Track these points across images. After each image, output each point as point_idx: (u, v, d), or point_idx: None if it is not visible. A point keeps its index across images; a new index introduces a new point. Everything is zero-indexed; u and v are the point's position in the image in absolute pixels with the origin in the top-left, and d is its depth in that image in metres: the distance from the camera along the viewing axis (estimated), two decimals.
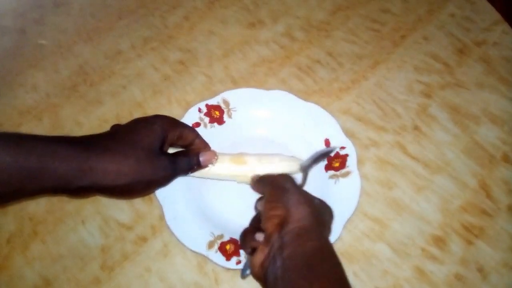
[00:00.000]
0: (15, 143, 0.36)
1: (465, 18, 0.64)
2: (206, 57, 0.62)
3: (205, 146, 0.47)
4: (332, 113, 0.52)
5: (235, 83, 0.59)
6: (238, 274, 0.45)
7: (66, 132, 0.56)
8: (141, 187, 0.42)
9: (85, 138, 0.41)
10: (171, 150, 0.46)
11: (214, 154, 0.46)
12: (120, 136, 0.42)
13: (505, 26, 0.63)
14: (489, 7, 0.65)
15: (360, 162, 0.50)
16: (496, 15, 0.64)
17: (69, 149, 0.38)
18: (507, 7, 0.66)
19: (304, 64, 0.60)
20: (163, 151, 0.43)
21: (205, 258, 0.45)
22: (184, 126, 0.46)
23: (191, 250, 0.45)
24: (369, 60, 0.61)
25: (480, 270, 0.45)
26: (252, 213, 0.48)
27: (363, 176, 0.50)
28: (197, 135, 0.47)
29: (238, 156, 0.47)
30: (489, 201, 0.49)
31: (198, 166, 0.45)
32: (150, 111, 0.57)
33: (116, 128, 0.44)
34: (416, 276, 0.45)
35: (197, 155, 0.45)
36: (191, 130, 0.47)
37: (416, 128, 0.55)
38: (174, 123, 0.45)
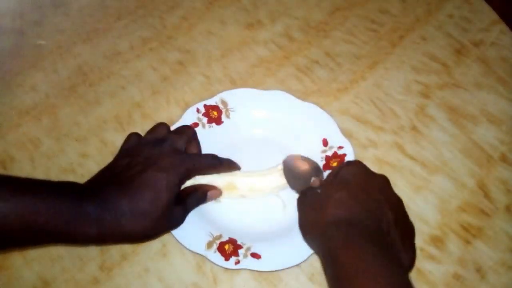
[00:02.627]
0: (18, 195, 0.36)
1: (463, 18, 0.65)
2: (205, 57, 0.62)
3: (230, 167, 0.48)
4: (330, 113, 0.52)
5: (234, 84, 0.59)
6: (236, 274, 0.46)
7: (65, 132, 0.56)
8: (153, 238, 0.46)
9: (95, 189, 0.40)
10: None
11: (220, 192, 0.47)
12: (138, 191, 0.40)
13: (502, 26, 0.63)
14: (487, 8, 0.66)
15: None
16: (494, 15, 0.65)
17: (81, 212, 0.38)
18: (505, 7, 0.66)
19: (303, 65, 0.61)
20: (176, 199, 0.43)
21: (204, 258, 0.45)
22: (203, 168, 0.46)
23: (189, 250, 0.45)
24: (368, 60, 0.61)
25: (478, 270, 0.46)
26: (249, 215, 0.48)
27: None
28: (217, 169, 0.47)
29: (229, 184, 0.47)
30: (487, 201, 0.50)
31: (204, 200, 0.46)
32: (149, 111, 0.57)
33: (129, 170, 0.42)
34: (415, 276, 0.45)
35: (204, 192, 0.46)
36: (211, 168, 0.47)
37: (414, 128, 0.55)
38: (193, 170, 0.45)
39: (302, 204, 0.42)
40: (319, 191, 0.41)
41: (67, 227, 0.37)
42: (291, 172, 0.47)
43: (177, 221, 0.44)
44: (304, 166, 0.47)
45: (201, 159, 0.46)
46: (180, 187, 0.44)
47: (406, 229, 0.39)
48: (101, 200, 0.39)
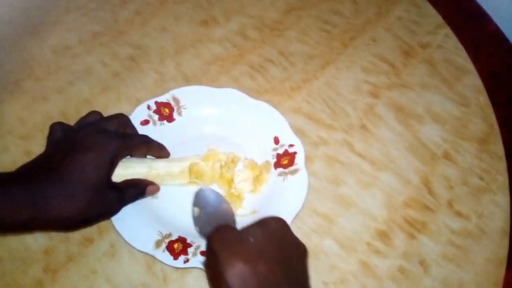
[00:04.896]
0: None
1: (411, 21, 0.67)
2: (158, 53, 0.61)
3: (161, 149, 0.47)
4: (283, 111, 0.53)
5: (187, 81, 0.58)
6: (187, 273, 0.45)
7: (8, 129, 0.53)
8: (87, 223, 0.43)
9: (24, 175, 0.39)
10: None
11: (158, 188, 0.47)
12: (66, 174, 0.39)
13: (447, 30, 0.66)
14: (434, 12, 0.68)
15: (309, 160, 0.51)
16: (440, 20, 0.68)
17: (10, 197, 0.37)
18: (450, 12, 0.69)
19: (257, 63, 0.61)
20: (110, 182, 0.42)
21: (154, 258, 0.44)
22: (135, 145, 0.45)
23: (137, 249, 0.44)
24: (320, 60, 0.62)
25: (422, 263, 0.47)
26: None
27: (312, 174, 0.51)
28: (149, 148, 0.46)
29: (150, 169, 0.46)
30: (431, 196, 0.52)
31: (143, 195, 0.46)
32: (98, 108, 0.54)
33: (56, 155, 0.40)
34: (362, 270, 0.47)
35: (144, 186, 0.45)
36: (143, 146, 0.46)
37: (363, 127, 0.56)
38: (124, 147, 0.43)
39: (220, 245, 0.35)
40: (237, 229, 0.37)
41: None
42: (201, 207, 0.43)
43: (112, 207, 0.43)
44: (214, 206, 0.43)
45: (132, 136, 0.46)
46: (112, 165, 0.42)
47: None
48: (30, 185, 0.38)
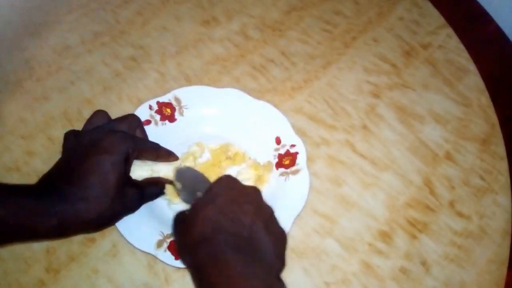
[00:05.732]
0: None
1: (412, 21, 0.67)
2: (159, 53, 0.61)
3: (169, 156, 0.47)
4: (284, 112, 0.53)
5: (189, 81, 0.58)
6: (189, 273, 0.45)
7: (9, 129, 0.53)
8: (114, 221, 0.44)
9: (48, 184, 0.40)
10: None
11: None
12: (86, 177, 0.40)
13: (449, 30, 0.66)
14: (435, 12, 0.68)
15: (311, 160, 0.51)
16: (441, 20, 0.67)
17: (40, 205, 0.38)
18: (451, 12, 0.69)
19: (258, 63, 0.61)
20: (129, 180, 0.44)
21: (155, 257, 0.44)
22: (146, 148, 0.45)
23: (139, 249, 0.44)
24: (321, 60, 0.62)
25: (423, 263, 0.47)
26: None
27: (314, 174, 0.51)
28: (157, 154, 0.46)
29: (153, 171, 0.47)
30: (432, 197, 0.52)
31: (163, 193, 0.47)
32: (100, 108, 0.55)
33: (74, 160, 0.41)
34: (363, 270, 0.47)
35: (164, 185, 0.47)
36: (153, 151, 0.46)
37: (364, 127, 0.56)
38: (135, 148, 0.43)
39: (175, 228, 0.40)
40: (187, 212, 0.40)
41: (29, 221, 0.38)
42: (182, 182, 0.46)
43: (133, 203, 0.44)
44: (192, 179, 0.46)
45: (143, 140, 0.46)
46: (126, 165, 0.42)
47: (278, 237, 0.39)
48: (56, 192, 0.39)
